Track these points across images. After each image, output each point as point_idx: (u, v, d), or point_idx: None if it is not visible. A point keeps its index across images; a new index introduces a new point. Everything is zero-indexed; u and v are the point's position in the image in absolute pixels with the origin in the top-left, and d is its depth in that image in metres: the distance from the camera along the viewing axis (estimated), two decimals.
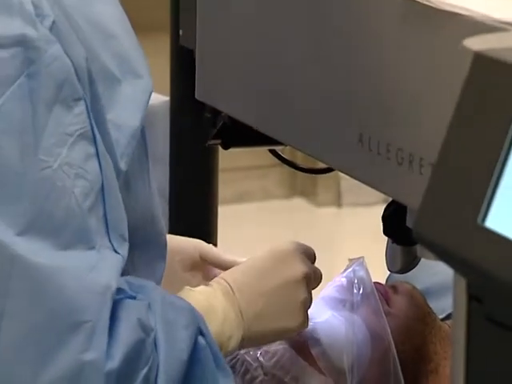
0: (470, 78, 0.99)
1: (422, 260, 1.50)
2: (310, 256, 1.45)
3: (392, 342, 1.48)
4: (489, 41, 1.03)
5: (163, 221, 1.44)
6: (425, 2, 1.25)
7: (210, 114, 1.69)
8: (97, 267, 1.22)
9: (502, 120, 0.95)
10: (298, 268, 1.43)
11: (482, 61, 0.98)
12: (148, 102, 1.33)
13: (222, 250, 1.60)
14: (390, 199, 1.45)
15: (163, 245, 1.41)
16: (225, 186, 1.97)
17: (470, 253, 0.94)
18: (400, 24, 1.32)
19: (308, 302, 1.43)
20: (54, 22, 1.23)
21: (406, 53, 1.30)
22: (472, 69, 0.99)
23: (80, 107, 1.23)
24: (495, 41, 1.04)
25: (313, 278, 1.44)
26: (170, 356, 1.25)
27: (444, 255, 0.99)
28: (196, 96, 1.68)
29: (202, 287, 1.40)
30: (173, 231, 1.58)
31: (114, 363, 1.19)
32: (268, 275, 1.43)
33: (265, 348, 1.49)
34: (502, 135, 0.94)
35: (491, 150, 0.95)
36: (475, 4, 1.22)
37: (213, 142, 1.72)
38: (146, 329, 1.23)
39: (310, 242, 1.49)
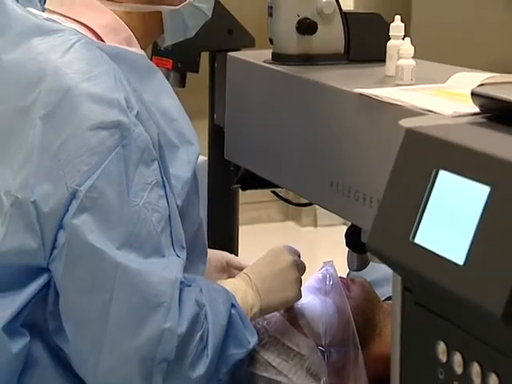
0: (403, 145, 1.12)
1: (371, 262, 1.70)
2: (296, 252, 1.63)
3: (351, 316, 1.63)
4: (415, 121, 1.17)
5: (205, 239, 1.56)
6: (373, 97, 1.39)
7: (233, 168, 1.90)
8: (168, 267, 1.35)
9: (425, 172, 1.06)
10: (289, 258, 1.60)
11: (411, 134, 1.12)
12: (196, 161, 1.47)
13: (241, 258, 1.78)
14: (350, 223, 1.62)
15: (205, 253, 1.56)
16: (242, 214, 2.14)
17: (404, 259, 1.06)
18: (356, 111, 1.46)
19: (299, 280, 1.59)
20: (138, 112, 1.36)
21: (361, 130, 1.45)
22: (404, 139, 1.13)
23: (155, 165, 1.36)
24: (419, 121, 1.18)
25: (300, 265, 1.61)
26: (214, 322, 1.39)
27: (387, 261, 1.12)
28: (225, 156, 1.90)
29: (231, 279, 1.58)
30: (209, 245, 1.60)
31: (183, 328, 1.33)
32: (270, 264, 1.58)
33: (268, 319, 1.63)
34: (425, 183, 1.06)
35: (418, 193, 1.06)
36: (406, 97, 1.36)
37: (235, 186, 1.92)
38: (199, 305, 1.38)
39: None
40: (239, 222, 2.13)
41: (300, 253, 1.65)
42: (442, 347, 1.08)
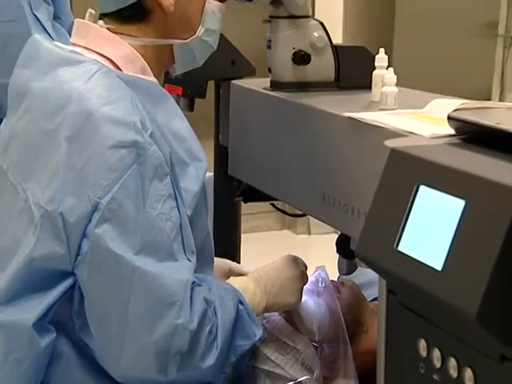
0: (388, 163, 1.13)
1: (359, 267, 1.73)
2: (303, 264, 1.62)
3: (341, 315, 1.63)
4: (398, 142, 1.18)
5: (212, 245, 1.55)
6: (360, 120, 1.40)
7: (236, 183, 1.91)
8: (180, 270, 1.35)
9: (407, 187, 1.07)
10: (298, 269, 1.59)
11: (394, 153, 1.13)
12: (204, 176, 1.47)
13: (241, 265, 1.74)
14: (340, 232, 1.63)
15: (212, 260, 1.56)
16: (244, 223, 2.12)
17: (389, 265, 1.07)
18: (346, 132, 1.46)
19: (302, 289, 1.59)
20: (152, 133, 1.36)
21: (350, 149, 1.45)
22: (389, 157, 1.13)
23: (167, 180, 1.36)
24: (402, 142, 1.18)
25: (305, 277, 1.61)
26: (223, 317, 1.39)
27: (373, 266, 1.12)
28: (228, 172, 1.90)
29: (243, 277, 1.56)
30: (215, 250, 1.58)
31: (194, 324, 1.34)
32: (281, 271, 1.57)
33: (267, 318, 1.63)
34: (408, 197, 1.06)
35: (401, 206, 1.07)
36: (389, 121, 1.36)
37: (238, 198, 1.93)
38: (208, 302, 1.37)
39: None
40: (241, 231, 2.13)
41: (306, 264, 1.64)
42: (422, 344, 1.08)
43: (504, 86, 4.18)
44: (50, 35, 1.92)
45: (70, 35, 1.81)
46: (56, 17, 2.00)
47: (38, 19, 1.92)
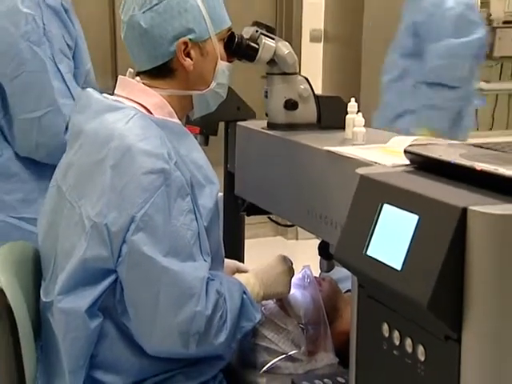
0: (359, 186, 1.12)
1: (336, 267, 1.65)
2: (290, 262, 1.60)
3: (322, 303, 1.62)
4: (367, 169, 1.17)
5: (222, 249, 1.54)
6: (337, 152, 1.39)
7: (240, 201, 1.89)
8: (198, 268, 1.34)
9: (373, 205, 1.06)
10: (286, 265, 1.58)
11: (364, 178, 1.12)
12: (217, 195, 1.45)
13: (246, 265, 1.70)
14: (321, 239, 1.58)
15: (222, 260, 1.54)
16: (247, 231, 2.10)
17: (359, 266, 1.07)
18: (326, 162, 1.45)
19: (290, 281, 1.58)
20: (176, 162, 1.35)
21: (328, 175, 1.44)
22: (359, 182, 1.13)
23: (188, 198, 1.35)
24: (369, 170, 1.17)
25: (292, 271, 1.59)
26: (231, 304, 1.38)
27: (347, 266, 1.12)
28: (235, 193, 1.88)
29: (246, 274, 1.55)
30: (225, 253, 1.56)
31: (209, 311, 1.33)
32: (273, 268, 1.57)
33: (265, 305, 1.62)
34: (374, 213, 1.06)
35: (369, 220, 1.06)
36: (359, 153, 1.35)
37: (242, 213, 1.91)
38: (220, 293, 1.37)
39: None
40: (245, 237, 2.12)
41: (292, 262, 1.62)
42: (385, 327, 1.07)
43: None
44: (66, 84, 1.88)
45: (84, 79, 1.90)
46: (75, 67, 1.97)
47: (59, 71, 1.88)
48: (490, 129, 4.38)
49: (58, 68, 1.87)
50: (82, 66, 1.98)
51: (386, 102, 3.10)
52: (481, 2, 4.04)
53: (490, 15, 4.03)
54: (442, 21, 2.85)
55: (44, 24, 1.83)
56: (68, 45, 1.90)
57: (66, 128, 1.82)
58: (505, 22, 3.86)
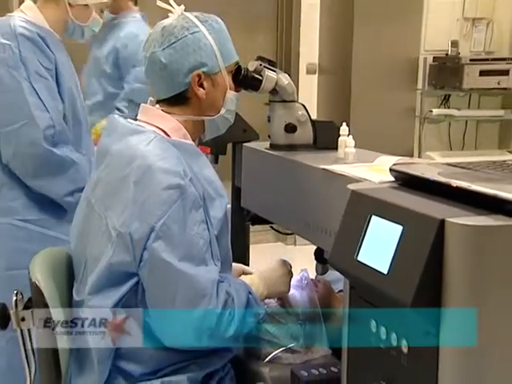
0: (350, 200, 1.11)
1: (330, 270, 1.68)
2: (290, 265, 1.57)
3: (317, 302, 1.60)
4: (357, 185, 1.16)
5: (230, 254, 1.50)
6: (331, 170, 1.39)
7: (246, 212, 1.88)
8: (210, 271, 1.32)
9: (363, 217, 1.05)
10: (286, 268, 1.56)
11: (354, 193, 1.11)
12: (226, 207, 1.43)
13: (251, 268, 1.64)
14: (317, 246, 1.60)
15: (231, 264, 1.50)
16: (252, 238, 2.06)
17: (351, 270, 1.06)
18: (321, 179, 1.44)
19: (290, 282, 1.56)
20: (190, 178, 1.33)
21: (324, 190, 1.43)
22: (351, 196, 1.12)
23: (201, 210, 1.33)
24: (359, 185, 1.16)
25: (291, 274, 1.57)
26: (238, 303, 1.36)
27: (339, 270, 1.11)
28: (241, 205, 1.87)
29: (251, 275, 1.53)
30: (233, 258, 1.51)
31: (219, 309, 1.31)
32: (275, 270, 1.55)
33: (267, 304, 1.59)
34: (363, 223, 1.04)
35: (359, 229, 1.04)
36: (351, 171, 1.35)
37: (247, 222, 1.91)
38: (229, 294, 1.35)
39: None
40: (250, 243, 2.09)
41: (291, 265, 1.59)
42: (373, 323, 1.06)
43: (421, 149, 4.32)
44: (41, 99, 1.88)
45: (71, 94, 1.94)
46: (58, 84, 1.94)
47: (35, 89, 1.88)
48: (462, 149, 4.45)
49: (33, 87, 1.89)
50: (65, 83, 1.97)
51: None
52: (451, 42, 4.21)
53: (459, 53, 4.22)
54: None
55: (20, 51, 1.88)
56: (44, 67, 1.91)
57: (44, 138, 1.85)
58: (471, 60, 4.07)
